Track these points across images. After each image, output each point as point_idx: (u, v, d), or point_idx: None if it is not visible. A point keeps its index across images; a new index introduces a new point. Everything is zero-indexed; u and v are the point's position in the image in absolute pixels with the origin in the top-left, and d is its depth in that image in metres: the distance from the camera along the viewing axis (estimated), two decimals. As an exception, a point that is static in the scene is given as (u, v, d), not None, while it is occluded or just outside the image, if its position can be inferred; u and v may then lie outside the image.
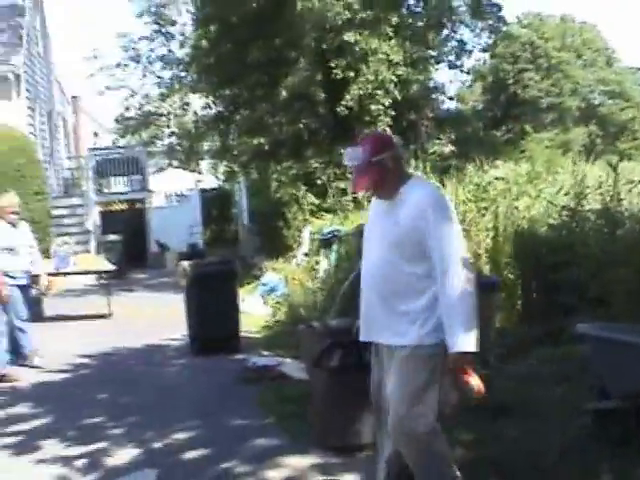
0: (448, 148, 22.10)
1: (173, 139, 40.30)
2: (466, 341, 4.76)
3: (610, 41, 70.32)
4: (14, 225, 11.81)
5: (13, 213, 11.78)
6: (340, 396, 6.89)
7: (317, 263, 16.33)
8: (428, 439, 4.93)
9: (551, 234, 11.42)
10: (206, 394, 9.74)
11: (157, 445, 7.65)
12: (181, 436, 7.88)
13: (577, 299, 9.68)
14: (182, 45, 40.29)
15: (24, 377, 11.13)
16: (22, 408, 9.49)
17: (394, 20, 20.66)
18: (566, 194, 12.96)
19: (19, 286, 11.71)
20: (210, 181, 37.80)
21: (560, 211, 12.15)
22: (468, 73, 28.79)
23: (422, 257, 4.89)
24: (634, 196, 11.56)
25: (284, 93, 20.75)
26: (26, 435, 8.31)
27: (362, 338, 5.24)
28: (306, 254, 17.67)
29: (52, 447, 7.79)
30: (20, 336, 11.84)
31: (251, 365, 10.44)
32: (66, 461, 7.31)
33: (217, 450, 7.32)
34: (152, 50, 45.28)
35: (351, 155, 5.12)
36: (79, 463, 7.25)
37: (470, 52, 26.57)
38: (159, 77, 45.90)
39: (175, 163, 45.41)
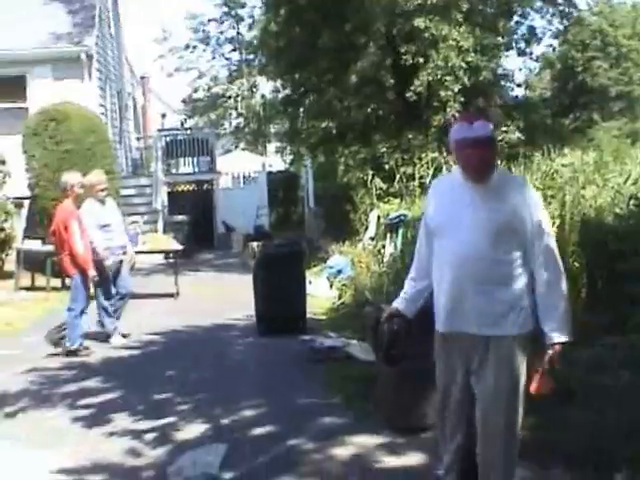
0: (516, 135, 21.98)
1: (241, 120, 40.52)
2: (566, 331, 4.80)
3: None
4: (103, 202, 12.05)
5: (102, 190, 12.00)
6: (407, 378, 7.00)
7: (383, 247, 16.41)
8: (517, 434, 4.94)
9: (618, 223, 11.38)
10: (272, 373, 9.94)
11: (225, 421, 7.82)
12: (248, 413, 8.05)
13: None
14: (251, 27, 40.54)
15: (95, 353, 11.38)
16: (92, 382, 9.71)
17: (464, 6, 20.59)
18: (634, 183, 12.90)
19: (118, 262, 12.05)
20: (277, 164, 38.01)
21: (628, 200, 12.11)
22: (537, 60, 28.59)
23: (520, 246, 4.82)
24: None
25: (353, 78, 20.82)
26: (97, 408, 8.51)
27: (444, 329, 4.93)
28: (372, 238, 17.74)
29: (122, 420, 7.98)
30: (103, 315, 12.10)
31: (317, 346, 10.57)
32: (136, 434, 7.50)
33: (283, 427, 7.47)
34: (221, 32, 45.68)
35: (479, 126, 4.83)
36: (149, 436, 7.43)
37: (540, 38, 26.44)
38: (227, 59, 46.29)
39: (242, 145, 45.72)
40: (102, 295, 12.07)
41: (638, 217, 11.21)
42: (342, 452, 6.75)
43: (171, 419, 7.94)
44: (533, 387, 4.86)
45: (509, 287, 4.81)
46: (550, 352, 4.80)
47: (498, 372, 4.79)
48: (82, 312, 11.32)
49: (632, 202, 11.73)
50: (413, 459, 6.49)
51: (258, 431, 7.46)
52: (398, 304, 5.23)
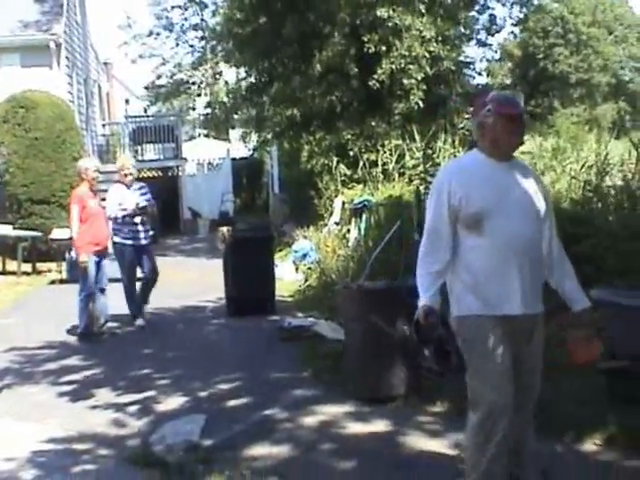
0: (477, 122, 22.36)
1: (206, 108, 40.78)
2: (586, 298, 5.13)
3: (641, 17, 70.16)
4: (128, 187, 12.32)
5: (126, 175, 12.27)
6: (373, 352, 7.55)
7: (348, 232, 16.87)
8: None
9: (573, 208, 11.90)
10: (245, 350, 10.45)
11: (203, 394, 8.33)
12: (224, 386, 8.57)
13: (597, 270, 10.17)
14: (214, 14, 40.67)
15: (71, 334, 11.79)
16: (73, 361, 10.19)
17: (427, -4, 21.05)
18: (588, 170, 13.45)
19: (142, 246, 12.33)
20: (241, 150, 38.32)
21: (583, 186, 12.66)
22: (496, 52, 29.05)
23: (542, 223, 5.03)
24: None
25: (318, 66, 21.16)
26: (79, 384, 9.00)
27: (494, 312, 4.85)
28: (337, 223, 18.19)
29: (105, 395, 8.48)
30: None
31: (286, 325, 11.07)
32: (119, 407, 8.00)
33: (258, 399, 7.98)
34: (185, 19, 45.77)
35: (519, 103, 5.02)
36: (131, 409, 7.94)
37: (501, 27, 26.83)
38: (191, 46, 46.41)
39: (205, 132, 45.93)
40: (125, 279, 12.43)
41: (592, 202, 11.75)
42: (312, 420, 7.27)
43: (151, 393, 8.44)
44: (584, 356, 5.16)
45: (545, 268, 5.06)
46: (589, 316, 5.09)
47: (539, 344, 5.04)
48: (87, 296, 11.51)
49: (587, 188, 12.28)
50: (379, 426, 7.01)
51: (234, 403, 7.97)
52: (433, 303, 4.89)
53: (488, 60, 28.94)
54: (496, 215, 4.81)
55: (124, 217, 12.04)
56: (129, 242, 12.18)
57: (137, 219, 12.18)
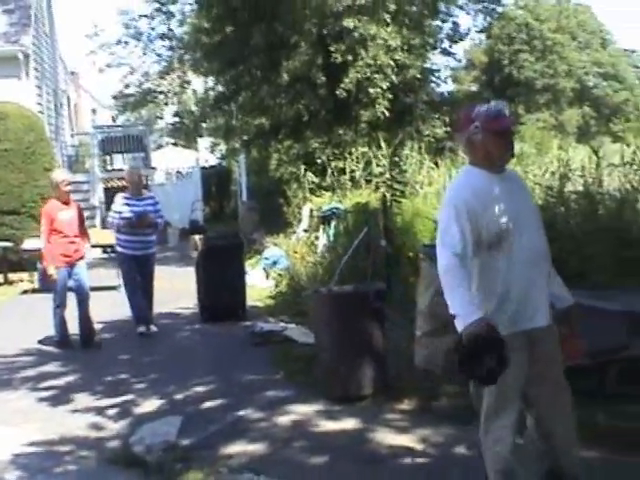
0: (442, 130, 22.75)
1: (176, 118, 40.93)
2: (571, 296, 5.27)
3: (605, 23, 71.11)
4: (136, 197, 12.54)
5: (130, 185, 12.74)
6: (343, 353, 7.88)
7: (316, 239, 17.14)
8: None
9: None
10: (219, 354, 10.74)
11: (179, 396, 8.64)
12: (200, 389, 8.87)
13: (560, 273, 10.49)
14: (182, 24, 40.81)
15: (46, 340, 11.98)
16: (51, 367, 10.44)
17: (391, 7, 21.32)
18: (552, 176, 13.78)
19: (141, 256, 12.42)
20: (209, 159, 38.48)
21: (545, 192, 13.00)
22: (460, 61, 29.43)
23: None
24: (614, 179, 12.40)
25: (285, 76, 21.46)
26: (58, 390, 9.26)
27: (526, 326, 4.94)
28: (306, 230, 18.44)
29: (84, 399, 8.76)
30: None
31: (258, 330, 11.33)
32: (98, 410, 8.29)
33: (233, 400, 8.30)
34: (152, 28, 45.78)
35: (505, 114, 5.03)
36: (110, 412, 8.24)
37: (466, 34, 27.14)
38: (159, 55, 46.44)
39: (173, 141, 46.04)
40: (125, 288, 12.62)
41: (554, 208, 12.09)
42: (285, 419, 7.60)
43: (129, 397, 8.73)
44: (571, 355, 5.28)
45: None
46: (574, 314, 5.22)
47: (557, 354, 5.08)
48: (58, 307, 11.66)
49: (549, 193, 12.61)
50: (349, 423, 7.34)
51: (209, 404, 8.28)
52: (477, 314, 4.74)
53: (452, 68, 29.29)
54: (514, 231, 4.86)
55: (123, 227, 12.22)
56: (127, 252, 12.33)
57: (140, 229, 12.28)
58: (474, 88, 57.21)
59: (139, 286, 12.41)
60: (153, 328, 12.32)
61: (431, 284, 8.27)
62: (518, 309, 4.90)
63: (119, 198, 12.52)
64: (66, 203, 11.87)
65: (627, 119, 56.74)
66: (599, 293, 8.01)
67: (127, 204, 12.36)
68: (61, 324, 11.74)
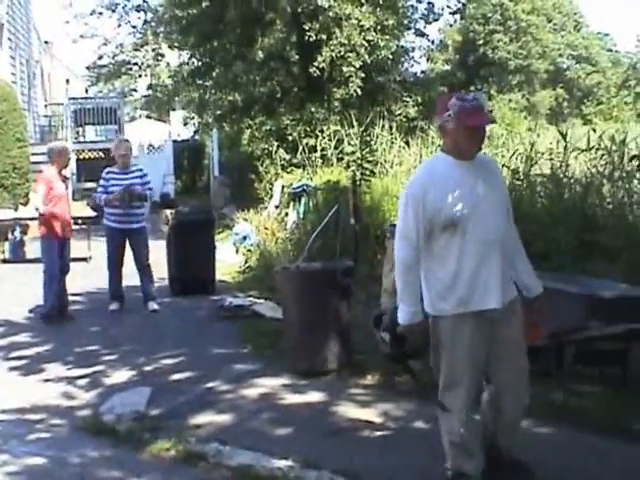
0: (414, 110, 22.95)
1: (150, 91, 40.83)
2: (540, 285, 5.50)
3: (579, 6, 71.36)
4: (122, 171, 12.39)
5: (119, 157, 12.42)
6: (309, 328, 8.12)
7: (287, 215, 17.35)
8: None
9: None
10: (188, 328, 10.96)
11: (148, 368, 8.85)
12: (169, 361, 9.07)
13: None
14: (157, -6, 40.67)
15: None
16: (21, 338, 10.61)
17: (366, -13, 21.55)
18: (521, 158, 13.99)
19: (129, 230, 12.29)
20: (182, 132, 38.49)
21: (512, 174, 13.23)
22: (433, 42, 29.53)
23: (509, 215, 5.32)
24: (580, 162, 12.64)
25: (259, 52, 21.62)
26: (30, 360, 9.44)
27: (475, 307, 5.08)
28: (277, 206, 18.64)
29: (55, 369, 8.95)
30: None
31: (227, 305, 11.52)
32: (69, 380, 8.49)
33: (201, 373, 8.50)
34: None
35: (483, 109, 5.14)
36: (81, 382, 8.43)
37: (439, 16, 27.24)
38: (134, 27, 46.27)
39: (146, 113, 46.00)
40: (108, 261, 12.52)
41: (520, 190, 12.32)
42: (252, 392, 7.82)
43: (99, 367, 8.92)
44: (532, 336, 5.62)
45: (509, 258, 5.23)
46: (538, 303, 5.47)
47: (519, 327, 5.29)
48: (50, 277, 11.55)
49: (516, 176, 12.84)
50: (314, 397, 7.58)
51: (178, 376, 8.49)
52: (419, 316, 5.16)
53: (425, 48, 29.41)
54: (471, 216, 4.99)
55: (106, 200, 12.14)
56: (113, 225, 12.24)
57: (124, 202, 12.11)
58: (448, 67, 57.36)
59: (120, 262, 12.36)
60: (154, 305, 12.21)
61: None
62: (468, 291, 5.06)
63: (105, 173, 12.43)
64: (62, 175, 11.93)
65: (599, 102, 57.20)
66: (561, 276, 8.27)
67: (113, 178, 12.28)
68: (53, 297, 11.56)
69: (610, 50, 72.69)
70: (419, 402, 7.08)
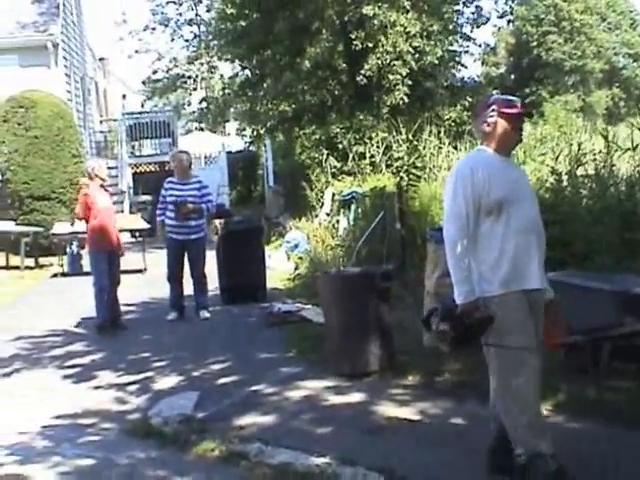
0: (463, 114, 23.01)
1: (203, 104, 41.33)
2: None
3: (635, 4, 70.64)
4: (182, 182, 12.57)
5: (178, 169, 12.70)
6: (349, 332, 8.32)
7: (337, 222, 17.56)
8: None
9: (547, 196, 12.52)
10: (236, 334, 11.23)
11: (196, 373, 9.10)
12: (216, 367, 9.33)
13: (567, 255, 10.79)
14: (209, 9, 41.25)
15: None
16: (77, 347, 10.94)
17: (411, -6, 21.72)
18: (569, 160, 14.03)
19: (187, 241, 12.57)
20: (236, 144, 38.84)
21: (557, 176, 13.29)
22: (480, 46, 29.51)
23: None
24: (623, 163, 12.68)
25: (307, 62, 21.86)
26: (83, 368, 9.75)
27: (518, 287, 5.29)
28: (328, 214, 18.87)
29: (107, 376, 9.24)
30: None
31: (275, 311, 11.81)
32: (120, 387, 8.77)
33: (247, 376, 8.74)
34: (180, 14, 46.28)
35: (519, 102, 5.55)
36: (131, 388, 8.71)
37: (487, 19, 27.28)
38: (186, 41, 46.91)
39: (202, 125, 46.45)
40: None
41: (557, 190, 12.37)
42: (295, 394, 8.03)
43: (149, 374, 9.20)
44: (556, 340, 5.88)
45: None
46: (554, 306, 5.63)
47: (541, 320, 5.52)
48: (99, 290, 11.76)
49: (557, 177, 12.89)
50: (354, 397, 7.77)
51: (224, 380, 8.73)
52: (473, 294, 5.29)
53: (472, 53, 29.43)
54: (514, 201, 5.30)
55: (165, 210, 12.45)
56: (172, 236, 12.49)
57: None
58: (502, 70, 57.18)
59: (179, 272, 12.62)
60: (205, 314, 12.43)
61: (437, 267, 8.74)
62: (511, 271, 5.28)
63: (165, 183, 12.68)
64: (104, 188, 12.24)
65: (658, 100, 56.56)
66: (595, 275, 8.37)
67: (171, 188, 12.51)
68: (104, 308, 11.84)
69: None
70: (457, 400, 7.28)
